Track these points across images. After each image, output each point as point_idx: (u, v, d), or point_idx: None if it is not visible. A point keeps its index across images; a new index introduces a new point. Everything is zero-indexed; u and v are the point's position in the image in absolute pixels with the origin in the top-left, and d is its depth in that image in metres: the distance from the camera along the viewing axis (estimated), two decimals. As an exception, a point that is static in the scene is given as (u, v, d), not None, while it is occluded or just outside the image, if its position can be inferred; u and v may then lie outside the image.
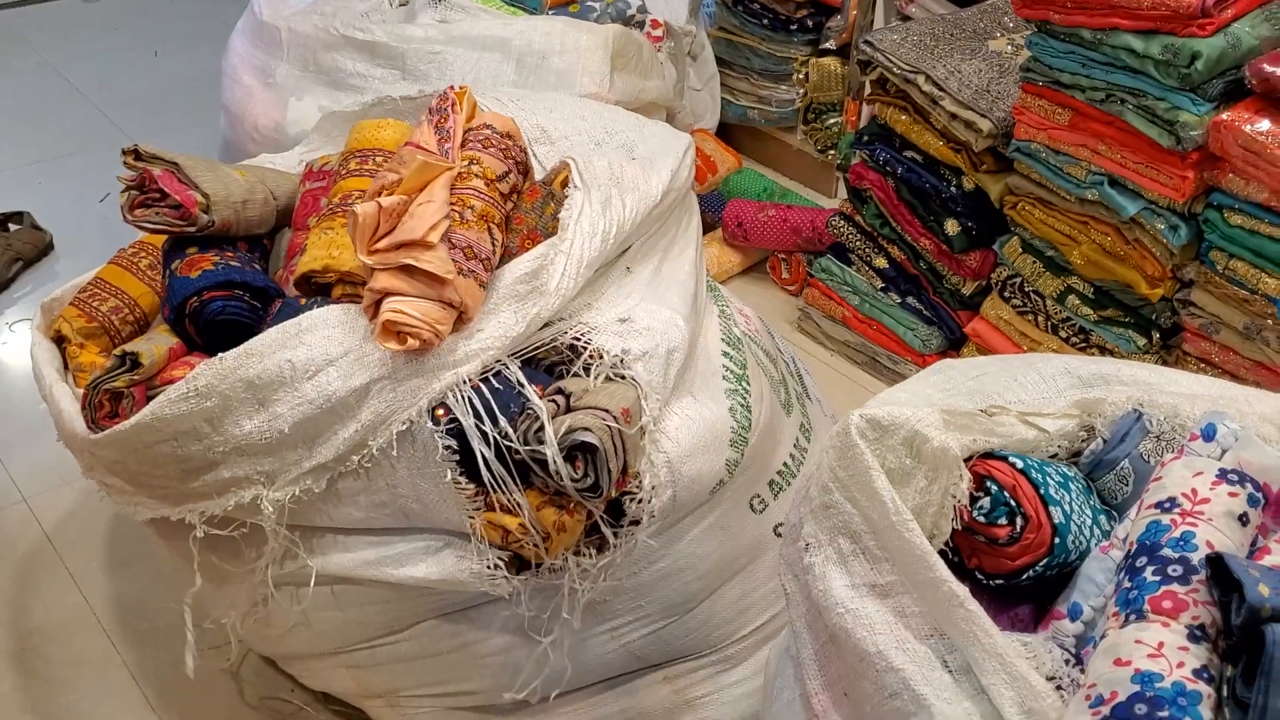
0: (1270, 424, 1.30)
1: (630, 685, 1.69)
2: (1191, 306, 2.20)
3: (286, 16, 2.66)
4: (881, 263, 2.73)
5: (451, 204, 1.52)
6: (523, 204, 1.64)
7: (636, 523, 1.53)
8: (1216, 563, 1.01)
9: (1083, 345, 2.38)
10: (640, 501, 1.51)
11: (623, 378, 1.51)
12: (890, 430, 1.19)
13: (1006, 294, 2.50)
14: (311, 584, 1.57)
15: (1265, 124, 1.94)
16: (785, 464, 1.84)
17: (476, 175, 1.58)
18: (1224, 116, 1.97)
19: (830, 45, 3.35)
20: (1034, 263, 2.43)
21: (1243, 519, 1.09)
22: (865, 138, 2.70)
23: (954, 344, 2.67)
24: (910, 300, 2.71)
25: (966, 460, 1.24)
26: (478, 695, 1.67)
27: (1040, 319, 2.45)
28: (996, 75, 2.46)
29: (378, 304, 1.44)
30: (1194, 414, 1.27)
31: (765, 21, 3.50)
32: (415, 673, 1.66)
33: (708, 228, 3.25)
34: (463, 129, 1.66)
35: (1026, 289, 2.46)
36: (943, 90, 2.44)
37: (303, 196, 1.83)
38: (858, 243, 2.77)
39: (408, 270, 1.43)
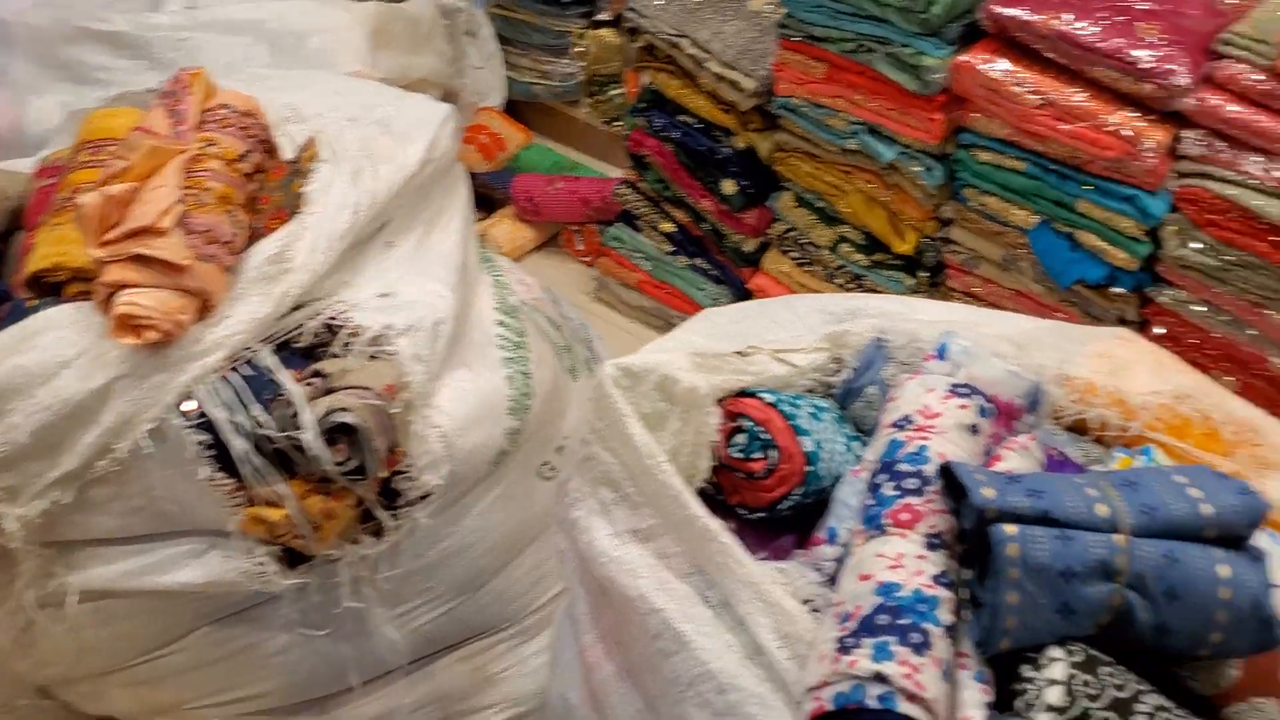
0: (1006, 342, 1.37)
1: (427, 669, 1.66)
2: (952, 244, 2.30)
3: (17, 10, 2.49)
4: (668, 227, 2.76)
5: (187, 188, 1.45)
6: (268, 183, 1.58)
7: (414, 502, 1.50)
8: (946, 471, 1.05)
9: (858, 290, 2.46)
10: (414, 479, 1.48)
11: (386, 354, 1.48)
12: (642, 376, 1.20)
13: (785, 247, 2.56)
14: (73, 601, 1.48)
15: (1002, 63, 2.04)
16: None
17: (214, 157, 1.52)
18: (963, 58, 2.06)
19: (604, 16, 3.35)
20: (807, 215, 2.49)
21: (974, 429, 1.14)
22: (642, 105, 2.71)
23: (742, 299, 2.72)
24: (698, 261, 2.74)
25: (721, 400, 1.26)
26: (267, 698, 1.61)
27: (818, 269, 2.52)
28: (758, 34, 2.50)
29: (111, 298, 1.37)
30: (932, 337, 1.32)
31: (539, -4, 3.48)
32: (198, 683, 1.59)
33: (500, 204, 3.23)
34: (199, 110, 1.58)
35: (803, 241, 2.52)
36: (707, 53, 2.47)
37: (35, 195, 1.72)
38: (644, 209, 2.79)
39: (141, 260, 1.36)
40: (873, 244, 2.40)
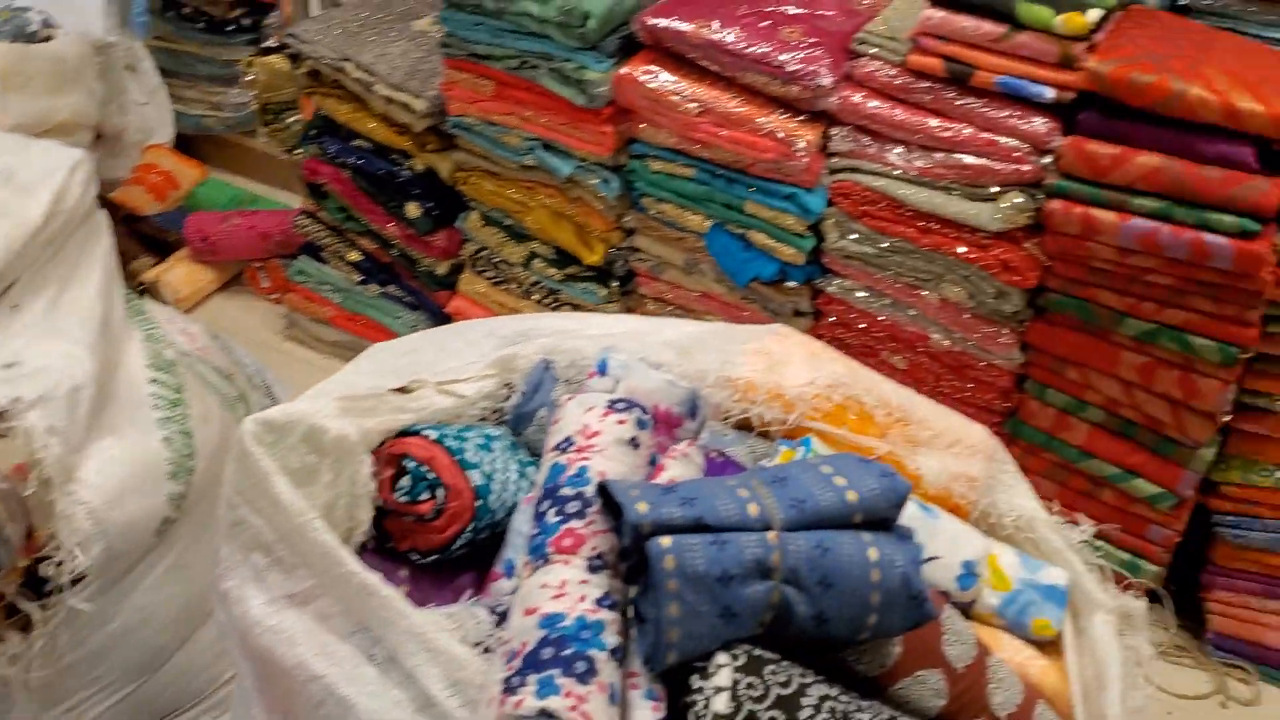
0: (670, 349, 1.38)
1: (107, 763, 1.52)
2: (638, 252, 2.33)
3: None
4: (355, 256, 2.66)
5: None
6: None
7: (66, 587, 1.36)
8: (604, 490, 1.04)
9: (554, 305, 2.46)
10: (63, 563, 1.34)
11: (12, 430, 1.33)
12: (287, 429, 1.12)
13: (479, 267, 2.53)
14: None
15: (662, 74, 2.07)
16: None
17: None
18: (624, 71, 2.09)
19: (271, 43, 3.21)
20: (496, 233, 2.47)
21: (634, 442, 1.14)
22: (313, 132, 2.61)
23: (440, 324, 2.66)
24: (391, 289, 2.66)
25: (383, 443, 1.21)
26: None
27: (514, 286, 2.50)
28: (424, 54, 2.45)
29: None
30: (596, 354, 1.31)
31: (201, 25, 3.30)
32: None
33: (176, 247, 3.03)
34: None
35: (495, 260, 2.49)
36: (373, 75, 2.40)
37: None
38: (327, 239, 2.68)
39: None
40: (564, 257, 2.40)
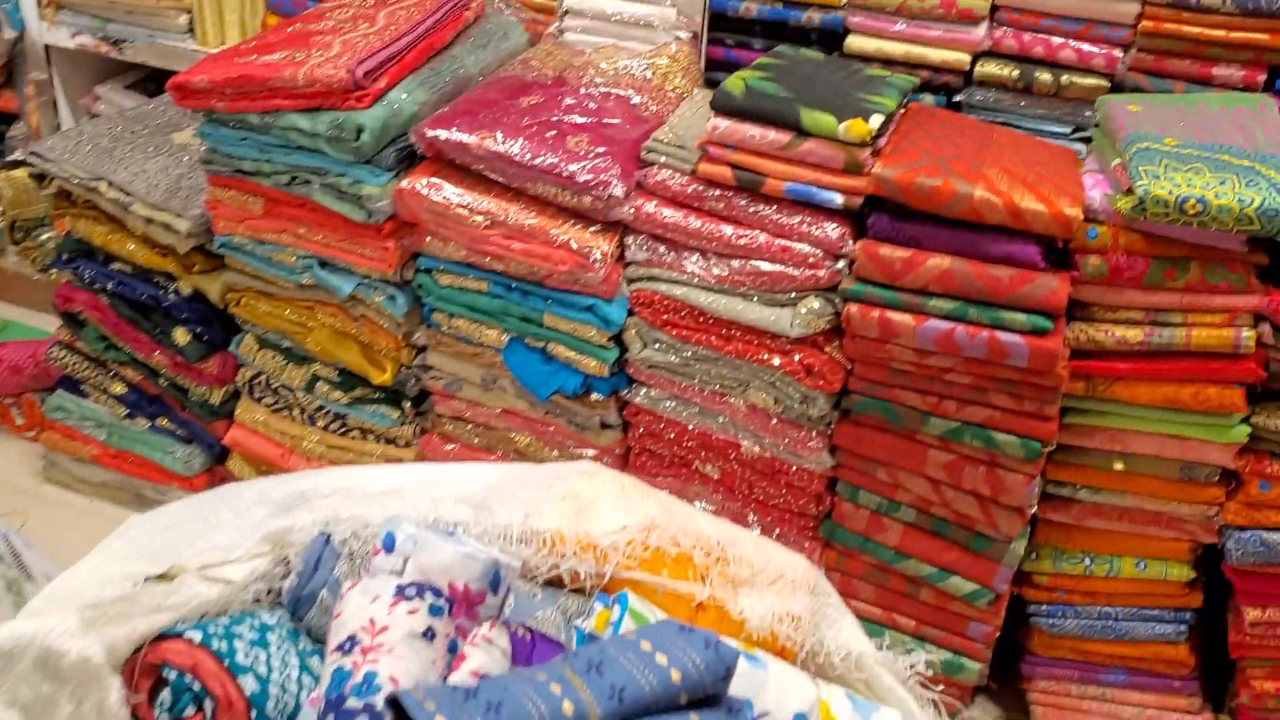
0: (467, 504, 1.26)
1: None
2: (432, 370, 2.20)
3: None
4: (119, 388, 2.43)
5: None
6: None
7: None
8: (394, 703, 0.91)
9: (342, 430, 2.29)
10: None
11: None
12: (14, 656, 0.95)
13: (257, 394, 2.34)
14: None
15: (446, 186, 1.97)
16: None
17: None
18: (404, 184, 1.97)
19: (17, 156, 2.94)
20: (274, 356, 2.29)
21: (428, 634, 1.01)
22: (66, 255, 2.38)
23: (219, 458, 2.45)
24: (161, 422, 2.44)
25: (137, 650, 1.04)
26: None
27: (296, 413, 2.32)
28: (186, 170, 2.27)
29: None
30: (382, 521, 1.18)
31: (-66, 136, 3.00)
32: None
33: (-90, 387, 2.70)
34: None
35: (274, 385, 2.31)
36: (130, 195, 2.21)
37: None
38: (87, 371, 2.44)
39: None
40: (350, 379, 2.25)
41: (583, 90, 2.09)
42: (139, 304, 2.33)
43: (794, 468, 2.01)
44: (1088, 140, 2.17)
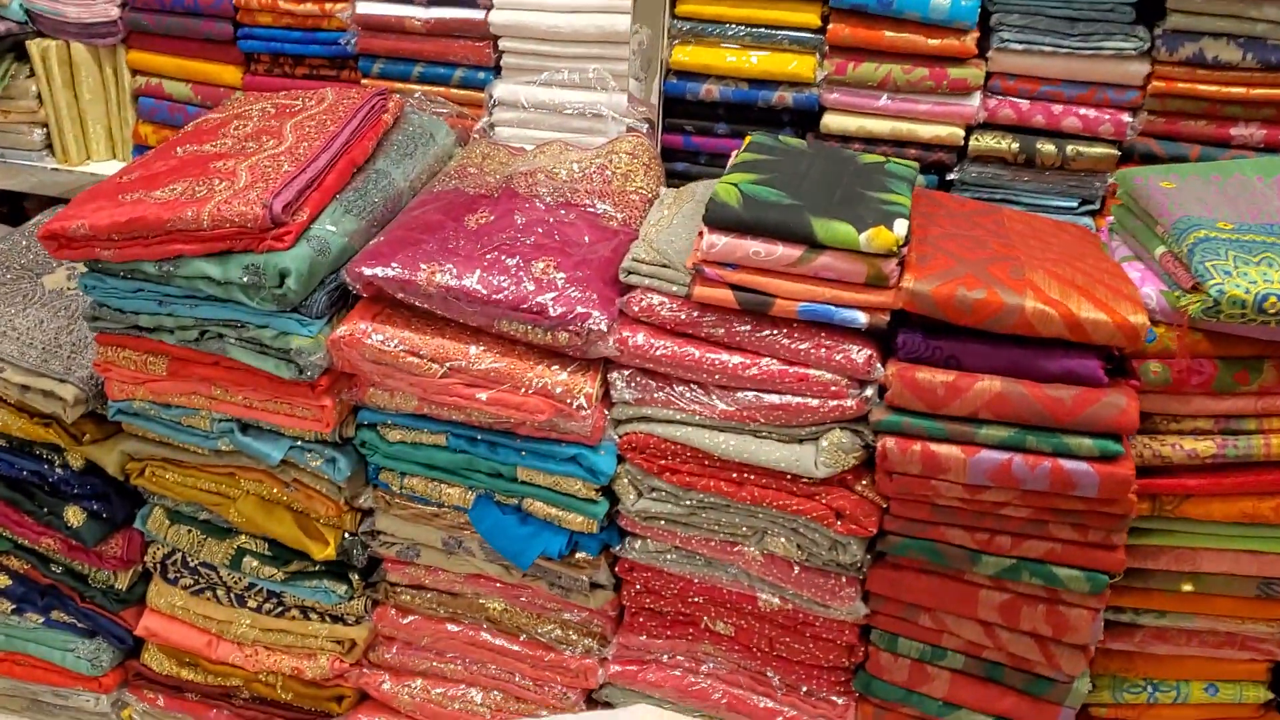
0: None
1: None
2: (382, 535, 1.87)
3: None
4: (1, 581, 2.04)
5: None
6: None
7: None
8: None
9: (279, 610, 1.95)
10: None
11: None
12: None
13: (171, 575, 1.98)
14: None
15: (389, 330, 1.66)
16: None
17: None
18: (341, 332, 1.65)
19: None
20: (189, 531, 1.94)
21: None
22: (-81, 430, 1.99)
23: (131, 651, 2.08)
24: (56, 615, 2.05)
25: None
26: None
27: (221, 593, 1.97)
28: (65, 323, 1.91)
29: None
30: None
31: None
32: None
33: None
34: None
35: (192, 563, 1.96)
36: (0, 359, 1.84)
37: None
38: (-42, 565, 2.05)
39: None
40: (284, 550, 1.91)
41: (538, 203, 1.80)
42: (20, 483, 1.96)
43: (821, 619, 1.75)
44: (1093, 213, 1.98)
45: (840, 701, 1.81)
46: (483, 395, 1.64)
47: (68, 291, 1.98)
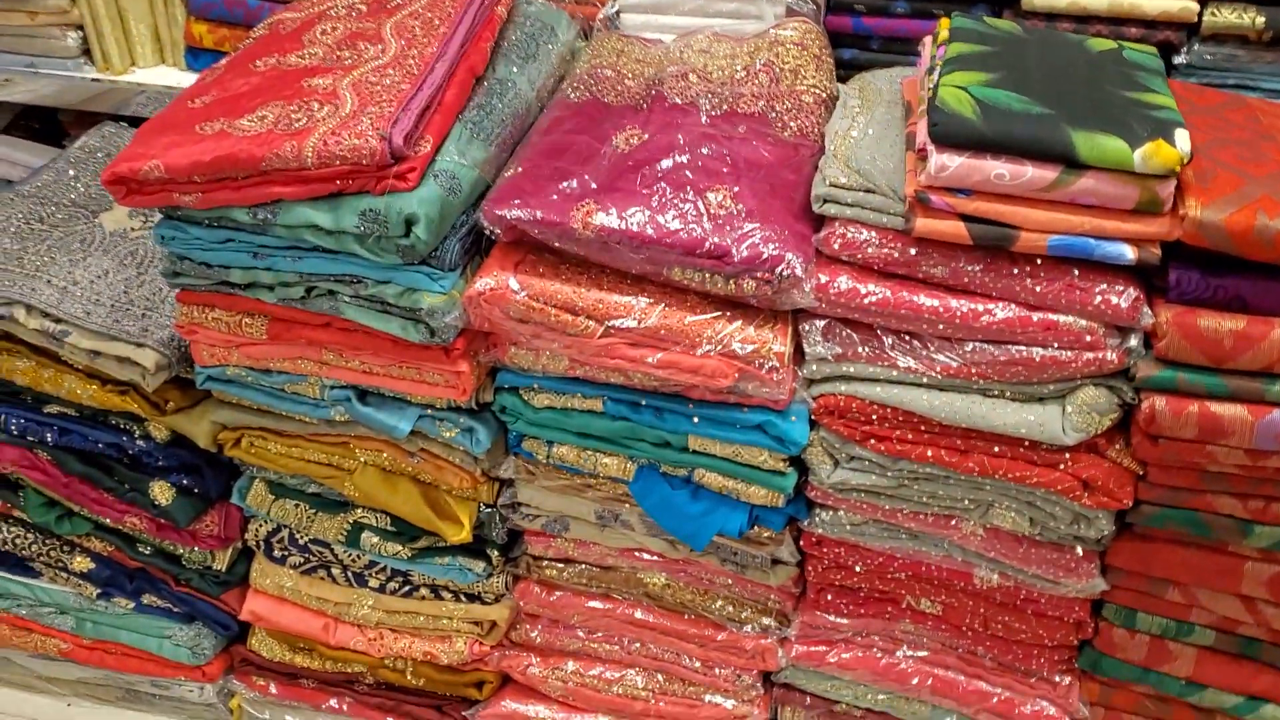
0: None
1: None
2: (524, 507, 1.62)
3: None
4: (84, 564, 1.81)
5: None
6: None
7: None
8: None
9: (406, 590, 1.71)
10: None
11: None
12: None
13: (277, 553, 1.74)
14: None
15: (535, 283, 1.37)
16: None
17: None
18: (479, 287, 1.37)
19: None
20: (297, 506, 1.69)
21: None
22: (-24, 400, 1.73)
23: (237, 636, 1.86)
24: (148, 600, 1.83)
25: None
26: None
27: (337, 572, 1.73)
28: (135, 273, 1.63)
29: None
30: None
31: None
32: None
33: None
34: None
35: (301, 540, 1.72)
36: (62, 321, 1.56)
37: None
38: (33, 547, 1.81)
39: None
40: (409, 526, 1.66)
41: (700, 115, 1.49)
42: (93, 456, 1.71)
43: (1046, 595, 1.50)
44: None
45: (1063, 681, 1.58)
46: (653, 358, 1.36)
47: (132, 233, 1.69)
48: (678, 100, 1.52)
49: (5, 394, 1.71)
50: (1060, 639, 1.54)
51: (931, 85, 1.34)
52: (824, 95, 1.56)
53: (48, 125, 2.27)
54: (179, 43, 1.99)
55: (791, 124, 1.50)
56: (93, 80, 1.99)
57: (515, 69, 1.56)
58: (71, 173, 1.82)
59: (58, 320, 1.57)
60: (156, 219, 1.67)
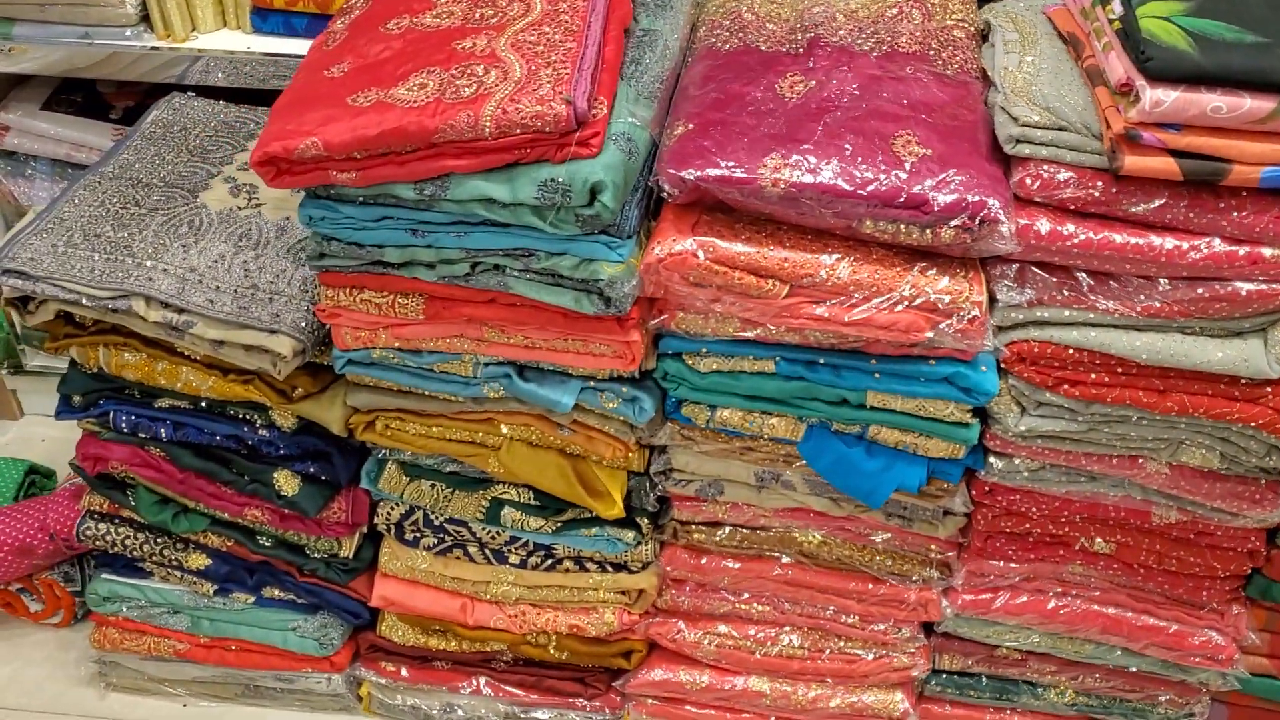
0: None
1: None
2: (677, 473, 1.58)
3: None
4: (200, 561, 1.73)
5: None
6: None
7: None
8: None
9: (549, 564, 1.66)
10: None
11: None
12: None
13: (410, 536, 1.68)
14: None
15: (717, 245, 1.30)
16: None
17: None
18: (659, 253, 1.30)
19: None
20: (433, 486, 1.63)
21: None
22: (79, 398, 1.63)
23: (368, 623, 1.79)
24: (269, 593, 1.75)
25: None
26: None
27: (474, 550, 1.67)
28: (254, 254, 1.53)
29: None
30: None
31: None
32: None
33: None
34: None
35: (436, 521, 1.65)
36: (185, 311, 1.47)
37: None
38: (145, 547, 1.72)
39: None
40: (552, 500, 1.60)
41: (868, 57, 1.42)
42: (209, 450, 1.62)
43: (1223, 528, 1.50)
44: None
45: (1233, 610, 1.58)
46: (847, 317, 1.31)
47: (239, 212, 1.59)
48: (833, 40, 1.45)
49: (111, 390, 1.61)
50: (1233, 569, 1.54)
51: (1116, 16, 1.29)
52: (971, 29, 1.51)
53: (90, 97, 2.12)
54: (244, 4, 1.86)
55: (953, 61, 1.44)
56: (151, 49, 1.86)
57: (656, 18, 1.48)
58: (153, 150, 1.70)
59: (180, 310, 1.47)
60: (261, 196, 1.59)
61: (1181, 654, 1.60)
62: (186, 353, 1.53)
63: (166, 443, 1.62)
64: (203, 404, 1.59)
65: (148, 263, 1.49)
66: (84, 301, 1.48)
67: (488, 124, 1.21)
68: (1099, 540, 1.54)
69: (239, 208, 1.60)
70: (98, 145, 2.08)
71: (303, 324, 1.47)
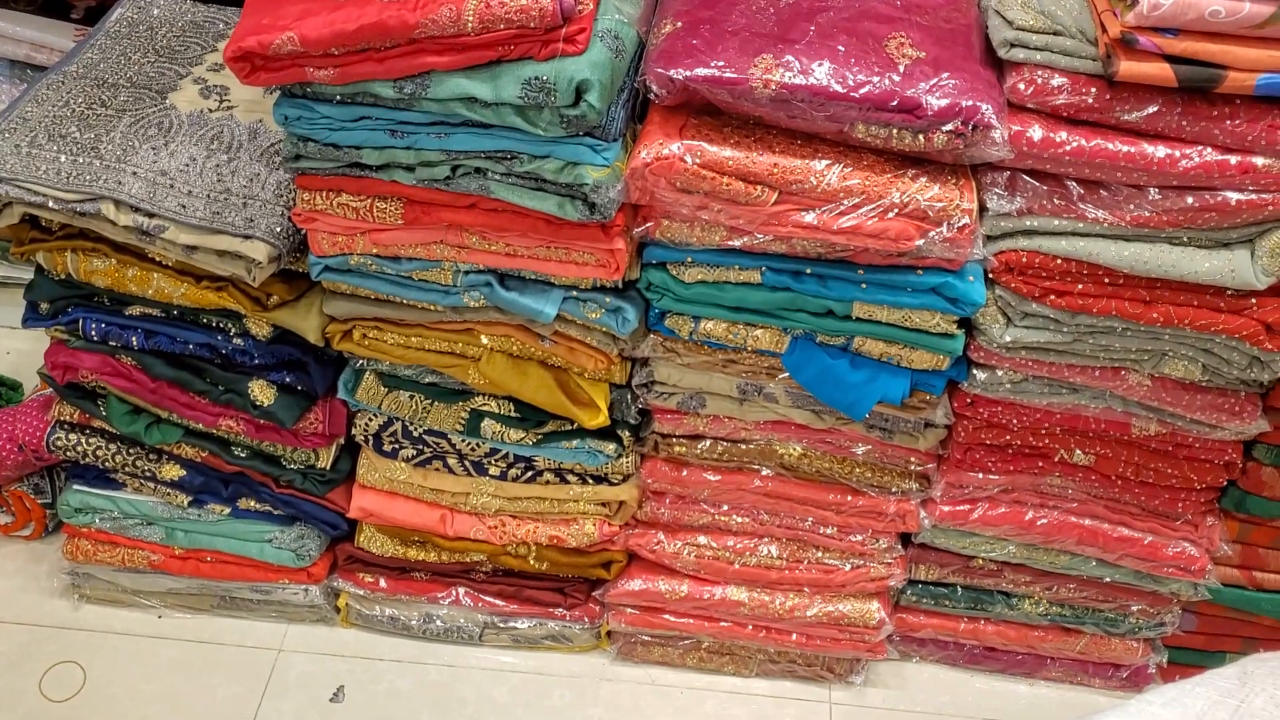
0: None
1: None
2: (659, 386, 1.56)
3: None
4: (174, 472, 1.70)
5: None
6: None
7: None
8: None
9: (529, 475, 1.65)
10: None
11: None
12: None
13: (388, 447, 1.66)
14: None
15: (704, 149, 1.28)
16: None
17: None
18: (645, 157, 1.27)
19: None
20: (412, 397, 1.61)
21: None
22: (47, 305, 1.59)
23: (345, 534, 1.78)
24: (245, 504, 1.73)
25: None
26: None
27: (454, 462, 1.66)
28: (226, 158, 1.48)
29: None
30: None
31: None
32: None
33: None
34: None
35: (415, 432, 1.64)
36: (157, 215, 1.43)
37: None
38: (117, 458, 1.70)
39: None
40: (533, 411, 1.59)
41: (857, -43, 1.39)
42: (181, 359, 1.59)
43: (1201, 440, 1.51)
44: None
45: (1207, 522, 1.60)
46: (841, 223, 1.29)
47: (211, 114, 1.54)
48: (822, -58, 1.42)
49: (80, 297, 1.57)
50: (1209, 481, 1.55)
51: (1115, -83, 1.26)
52: (966, -69, 1.47)
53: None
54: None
55: (948, -35, 1.41)
56: (112, -58, 1.79)
57: (641, -87, 1.43)
58: (119, 50, 1.64)
59: (150, 215, 1.43)
60: (232, 98, 1.54)
61: (1155, 565, 1.63)
62: (158, 258, 1.49)
63: (138, 351, 1.59)
64: (175, 311, 1.55)
65: (116, 165, 1.45)
66: (51, 204, 1.43)
67: (470, 19, 1.17)
68: (1078, 452, 1.55)
69: (210, 110, 1.55)
70: (59, 46, 2.01)
71: (278, 229, 1.43)
